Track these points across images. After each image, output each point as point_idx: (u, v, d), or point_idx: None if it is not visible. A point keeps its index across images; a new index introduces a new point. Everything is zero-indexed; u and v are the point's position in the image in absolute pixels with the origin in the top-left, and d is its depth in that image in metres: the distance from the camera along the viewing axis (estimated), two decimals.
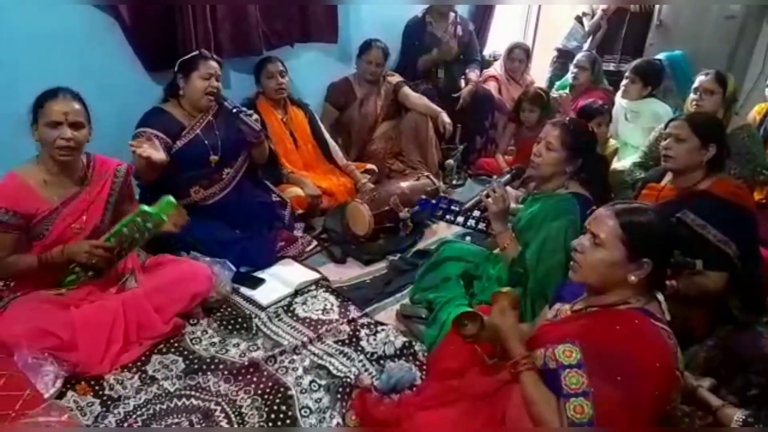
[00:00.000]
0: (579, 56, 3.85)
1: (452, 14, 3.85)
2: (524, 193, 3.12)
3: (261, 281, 2.45)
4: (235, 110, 2.47)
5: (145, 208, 1.96)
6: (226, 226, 2.60)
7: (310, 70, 3.46)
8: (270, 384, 1.85)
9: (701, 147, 2.00)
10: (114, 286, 2.07)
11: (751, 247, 2.02)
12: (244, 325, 2.19)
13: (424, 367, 1.98)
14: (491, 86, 4.05)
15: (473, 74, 3.94)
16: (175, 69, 2.47)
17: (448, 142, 3.69)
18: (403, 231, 2.92)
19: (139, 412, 1.73)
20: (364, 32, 3.51)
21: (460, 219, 3.03)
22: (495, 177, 2.75)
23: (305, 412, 1.78)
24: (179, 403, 1.77)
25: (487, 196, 2.13)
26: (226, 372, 1.91)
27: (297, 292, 2.41)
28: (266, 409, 1.77)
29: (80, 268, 1.96)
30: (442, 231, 3.06)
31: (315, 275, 2.54)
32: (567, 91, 3.83)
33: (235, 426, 1.72)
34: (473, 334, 1.54)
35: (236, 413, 1.75)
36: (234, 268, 2.35)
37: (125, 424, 1.69)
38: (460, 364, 1.69)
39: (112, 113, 2.32)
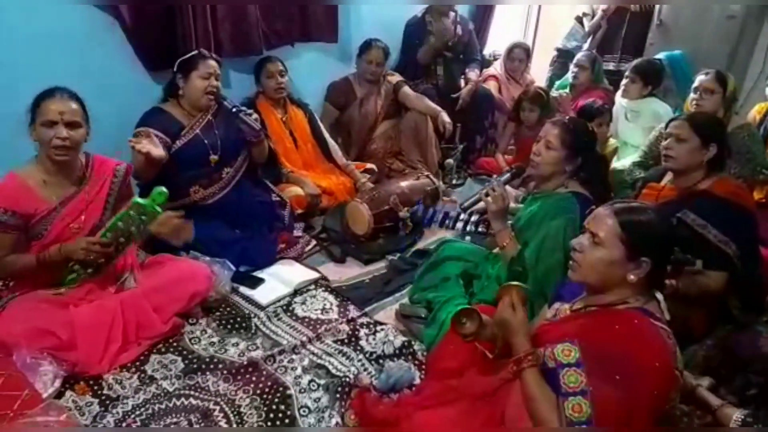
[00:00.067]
0: (579, 56, 3.84)
1: (452, 14, 3.85)
2: (524, 193, 3.12)
3: (260, 281, 2.45)
4: (234, 110, 2.47)
5: (138, 200, 1.96)
6: (225, 225, 2.59)
7: (310, 70, 3.46)
8: (269, 383, 1.85)
9: (702, 147, 2.00)
10: (113, 286, 2.07)
11: (751, 246, 2.02)
12: (243, 324, 2.19)
13: (423, 366, 1.99)
14: (491, 86, 4.05)
15: (473, 74, 3.94)
16: (174, 69, 2.47)
17: (448, 141, 3.69)
18: (403, 230, 2.92)
19: (137, 412, 1.73)
20: (364, 32, 3.50)
21: (459, 225, 3.01)
22: (495, 176, 2.75)
23: (304, 411, 1.78)
24: (178, 403, 1.77)
25: (487, 195, 2.13)
26: (225, 371, 1.91)
27: (296, 292, 2.42)
28: (265, 408, 1.77)
29: (79, 265, 1.96)
30: (441, 230, 3.06)
31: (314, 275, 2.54)
32: (567, 90, 3.82)
33: (234, 426, 1.72)
34: (472, 332, 1.53)
35: (235, 413, 1.75)
36: (233, 268, 2.36)
37: (124, 424, 1.69)
38: (459, 363, 1.69)
39: (112, 113, 2.32)
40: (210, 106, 2.53)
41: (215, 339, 2.10)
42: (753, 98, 3.83)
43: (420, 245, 2.89)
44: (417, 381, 1.90)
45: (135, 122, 2.39)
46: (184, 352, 2.01)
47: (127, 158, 2.23)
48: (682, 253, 1.85)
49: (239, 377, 1.88)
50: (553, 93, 3.85)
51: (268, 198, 2.78)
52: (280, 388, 1.84)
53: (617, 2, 4.23)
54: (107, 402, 1.77)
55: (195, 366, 1.94)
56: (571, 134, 2.02)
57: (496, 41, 4.60)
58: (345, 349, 2.07)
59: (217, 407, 1.77)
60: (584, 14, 4.43)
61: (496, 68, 4.20)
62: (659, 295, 1.36)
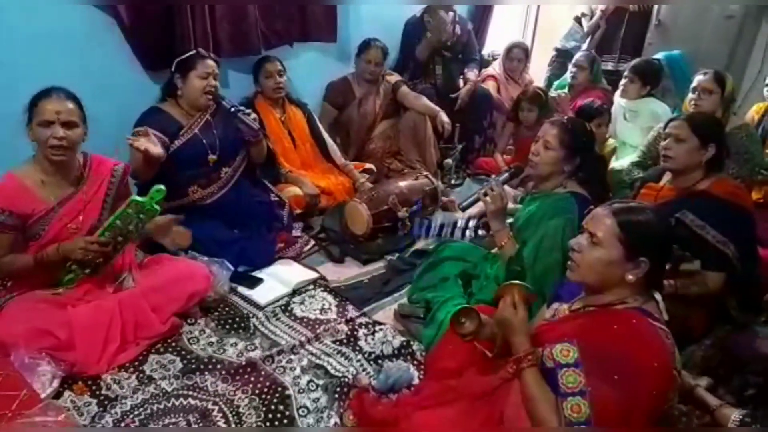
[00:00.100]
0: (578, 56, 3.85)
1: (451, 13, 3.85)
2: (522, 193, 3.12)
3: (259, 281, 2.45)
4: (233, 109, 2.47)
5: (136, 198, 1.95)
6: (224, 225, 2.59)
7: (308, 70, 3.46)
8: (268, 384, 1.85)
9: (701, 147, 2.00)
10: (111, 286, 2.06)
11: (749, 247, 2.02)
12: (242, 324, 2.19)
13: (422, 366, 1.99)
14: (490, 86, 4.05)
15: (472, 74, 3.94)
16: (172, 69, 2.47)
17: (447, 141, 3.69)
18: (402, 230, 2.92)
19: (136, 412, 1.73)
20: (363, 32, 3.50)
21: (458, 233, 2.99)
22: (493, 176, 2.75)
23: (303, 411, 1.78)
24: (176, 403, 1.77)
25: (485, 194, 2.13)
26: (223, 372, 1.91)
27: (295, 292, 2.41)
28: (264, 408, 1.77)
29: (77, 265, 1.96)
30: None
31: (313, 275, 2.54)
32: (566, 90, 3.83)
33: (233, 426, 1.72)
34: (472, 332, 1.53)
35: (234, 413, 1.75)
36: (232, 268, 2.35)
37: (122, 424, 1.69)
38: (458, 363, 1.68)
39: (111, 113, 2.33)
40: (209, 105, 2.52)
41: (214, 339, 2.10)
42: (751, 98, 3.83)
43: (419, 245, 2.88)
44: (416, 381, 1.90)
45: (134, 122, 2.38)
46: (183, 352, 2.01)
47: (126, 157, 2.22)
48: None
49: (238, 377, 1.88)
50: (552, 93, 3.85)
51: (266, 198, 2.78)
52: (279, 389, 1.84)
53: (616, 2, 4.24)
54: (106, 402, 1.76)
55: (193, 366, 1.94)
56: (570, 134, 2.02)
57: (495, 41, 4.60)
58: (344, 349, 2.07)
59: (216, 407, 1.76)
60: (583, 14, 4.44)
61: (495, 68, 4.20)
62: (658, 295, 1.36)
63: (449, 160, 3.66)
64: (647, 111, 3.38)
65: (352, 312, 2.30)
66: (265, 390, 1.83)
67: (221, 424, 1.72)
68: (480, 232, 2.90)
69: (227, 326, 2.17)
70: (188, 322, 2.15)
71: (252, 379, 1.88)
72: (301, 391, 1.85)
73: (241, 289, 2.39)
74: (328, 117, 3.52)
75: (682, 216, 1.95)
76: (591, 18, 4.34)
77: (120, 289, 2.06)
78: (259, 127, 2.59)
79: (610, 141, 3.44)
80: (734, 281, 1.95)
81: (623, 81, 3.43)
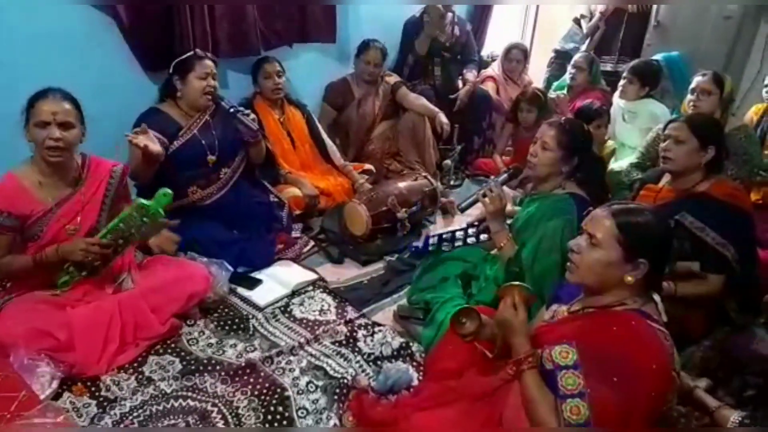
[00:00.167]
0: (576, 57, 3.85)
1: (450, 14, 3.85)
2: (521, 194, 3.11)
3: (258, 282, 2.45)
4: (232, 110, 2.47)
5: (142, 201, 1.95)
6: (223, 226, 2.59)
7: (308, 70, 3.46)
8: (267, 385, 1.85)
9: (700, 149, 2.00)
10: (110, 287, 2.06)
11: (748, 248, 2.03)
12: (241, 325, 2.19)
13: (422, 367, 1.99)
14: (489, 87, 4.06)
15: (471, 74, 3.94)
16: (170, 70, 2.47)
17: (446, 142, 3.69)
18: (401, 231, 2.92)
19: (135, 414, 1.73)
20: (363, 32, 3.51)
21: (458, 243, 2.95)
22: (492, 177, 2.75)
23: (302, 413, 1.78)
24: (176, 404, 1.77)
25: (484, 195, 2.13)
26: (222, 373, 1.90)
27: (294, 293, 2.41)
28: (263, 410, 1.76)
29: (74, 267, 1.95)
30: (440, 231, 3.04)
31: (312, 276, 2.54)
32: (564, 91, 3.83)
33: (232, 427, 1.71)
34: (472, 332, 1.53)
35: (233, 414, 1.75)
36: (231, 269, 2.35)
37: (122, 425, 1.69)
38: (457, 364, 1.69)
39: (111, 113, 2.33)
40: (208, 106, 2.52)
41: (213, 340, 2.10)
42: (750, 99, 3.84)
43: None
44: (415, 382, 1.90)
45: (133, 122, 2.38)
46: (182, 354, 2.01)
47: (125, 156, 2.22)
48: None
49: (237, 378, 1.88)
50: (551, 94, 3.85)
51: (266, 199, 2.78)
52: (278, 390, 1.84)
53: (616, 3, 4.24)
54: (105, 403, 1.76)
55: (193, 367, 1.94)
56: (567, 135, 2.02)
57: (494, 42, 4.60)
58: (343, 350, 2.07)
59: (215, 409, 1.76)
60: (582, 16, 4.44)
61: (494, 69, 4.20)
62: (657, 297, 1.36)
63: (448, 161, 3.66)
64: (646, 112, 3.38)
65: (351, 313, 2.30)
66: (265, 391, 1.83)
67: (220, 425, 1.72)
68: (482, 237, 2.89)
69: (226, 327, 2.17)
70: (187, 323, 2.15)
71: (251, 380, 1.88)
72: (301, 392, 1.85)
73: (241, 290, 2.38)
74: (328, 118, 3.52)
75: (681, 218, 1.96)
76: (590, 19, 4.34)
77: (119, 290, 2.06)
78: (258, 127, 2.59)
79: (609, 142, 3.44)
80: (733, 283, 1.95)
81: (622, 82, 3.44)
